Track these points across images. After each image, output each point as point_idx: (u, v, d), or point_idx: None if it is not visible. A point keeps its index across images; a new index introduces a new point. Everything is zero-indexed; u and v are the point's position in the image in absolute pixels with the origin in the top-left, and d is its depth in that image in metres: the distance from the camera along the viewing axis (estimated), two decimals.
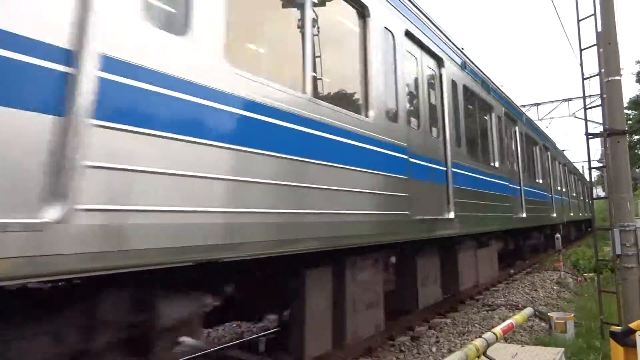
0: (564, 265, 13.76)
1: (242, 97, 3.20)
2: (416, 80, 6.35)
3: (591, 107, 10.64)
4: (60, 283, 2.78)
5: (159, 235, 2.55)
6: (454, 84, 7.52)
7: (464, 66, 8.16)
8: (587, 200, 28.01)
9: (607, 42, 6.53)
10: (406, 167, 5.49)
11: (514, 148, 11.98)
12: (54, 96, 2.15)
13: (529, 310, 5.78)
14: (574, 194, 23.58)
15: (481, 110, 9.45)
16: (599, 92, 7.27)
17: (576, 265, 14.68)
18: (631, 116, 38.16)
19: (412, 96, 6.19)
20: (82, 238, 2.19)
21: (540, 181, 14.73)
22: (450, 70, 7.40)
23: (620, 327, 4.47)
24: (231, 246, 3.03)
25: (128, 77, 2.46)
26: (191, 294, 3.29)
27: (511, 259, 13.61)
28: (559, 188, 18.43)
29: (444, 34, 7.40)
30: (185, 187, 2.70)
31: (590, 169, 8.65)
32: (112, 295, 2.80)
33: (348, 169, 4.30)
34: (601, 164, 13.80)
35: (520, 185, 11.49)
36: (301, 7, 4.19)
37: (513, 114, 12.12)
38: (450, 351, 5.77)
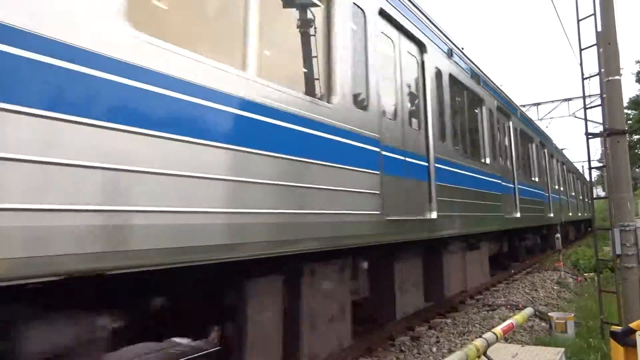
0: (564, 265, 13.78)
1: (152, 71, 2.57)
2: (393, 66, 5.71)
3: (591, 107, 10.72)
4: None
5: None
6: (438, 73, 6.89)
7: (450, 54, 7.54)
8: (586, 200, 27.87)
9: (607, 42, 6.53)
10: (378, 161, 4.87)
11: (507, 144, 11.35)
12: None
13: (529, 310, 5.79)
14: (573, 193, 23.21)
15: (471, 103, 8.76)
16: (598, 92, 7.27)
17: (576, 265, 14.70)
18: (631, 116, 38.21)
19: (388, 83, 5.52)
20: None
21: (537, 179, 14.18)
22: (434, 58, 6.77)
23: (620, 327, 4.47)
24: (112, 255, 2.33)
25: None
26: (79, 313, 2.62)
27: (507, 261, 13.16)
28: (557, 187, 17.92)
29: (427, 17, 6.75)
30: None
31: (590, 168, 8.61)
32: None
33: (303, 161, 3.72)
34: (601, 164, 13.81)
35: (514, 184, 10.99)
36: None
37: (507, 108, 11.51)
38: (450, 351, 5.77)
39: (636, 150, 37.80)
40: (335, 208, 4.09)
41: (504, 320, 5.50)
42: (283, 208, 3.49)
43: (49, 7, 2.14)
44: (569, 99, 30.74)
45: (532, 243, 15.11)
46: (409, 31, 6.07)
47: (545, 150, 16.37)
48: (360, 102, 4.74)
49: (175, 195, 2.64)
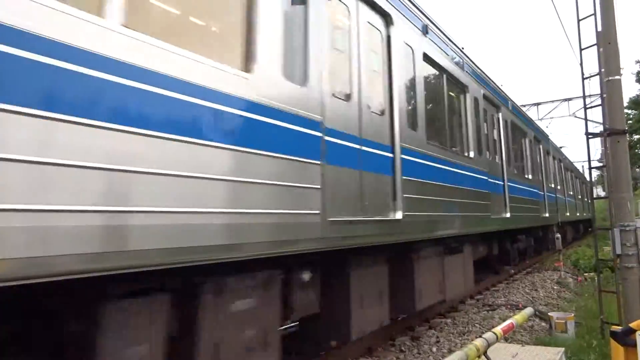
0: (564, 265, 13.79)
1: None
2: (347, 37, 4.80)
3: (591, 107, 10.75)
4: None
5: None
6: (408, 51, 5.97)
7: (425, 30, 6.56)
8: (585, 199, 27.65)
9: (607, 42, 6.53)
10: (318, 148, 3.96)
11: (496, 137, 10.18)
12: None
13: (529, 310, 5.79)
14: (571, 193, 22.44)
15: (451, 88, 7.74)
16: (599, 92, 7.27)
17: (576, 265, 14.72)
18: (631, 116, 38.20)
19: (337, 57, 4.60)
20: None
21: (530, 177, 13.12)
22: (404, 32, 5.83)
23: (620, 327, 4.47)
24: None
25: None
26: None
27: (498, 265, 12.18)
28: (553, 185, 16.95)
29: None
30: None
31: (590, 168, 8.57)
32: None
33: (204, 144, 2.86)
34: (601, 164, 13.80)
35: (503, 181, 9.98)
36: None
37: (496, 98, 10.39)
38: (450, 351, 5.77)
39: (636, 150, 37.80)
40: (241, 206, 3.11)
41: (504, 320, 5.51)
42: (181, 207, 2.66)
43: None
44: (569, 99, 30.76)
45: (526, 245, 13.91)
46: None
47: (541, 146, 15.43)
48: (293, 75, 3.80)
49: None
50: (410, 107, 5.86)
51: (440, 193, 6.39)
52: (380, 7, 5.33)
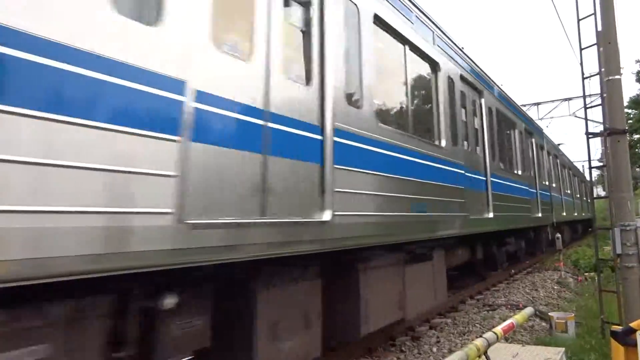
0: (565, 264, 13.80)
1: None
2: None
3: (591, 107, 10.74)
4: None
5: None
6: (352, 7, 4.83)
7: None
8: (584, 198, 27.18)
9: (607, 42, 6.53)
10: (177, 117, 2.81)
11: (477, 126, 8.80)
12: None
13: (529, 310, 5.78)
14: (569, 191, 21.03)
15: (416, 64, 6.50)
16: (599, 92, 7.27)
17: (576, 265, 14.73)
18: (631, 115, 38.23)
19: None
20: None
21: (520, 173, 11.69)
22: None
23: (620, 327, 4.47)
24: None
25: None
26: None
27: (484, 271, 11.05)
28: (547, 183, 15.55)
29: None
30: None
31: (590, 168, 8.56)
32: None
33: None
34: (601, 163, 13.80)
35: (486, 176, 8.69)
36: None
37: (478, 82, 8.98)
38: (450, 351, 5.77)
39: (636, 150, 37.81)
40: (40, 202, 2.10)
41: (504, 320, 5.50)
42: None
43: None
44: (569, 99, 30.74)
45: (516, 247, 12.49)
46: None
47: (534, 139, 14.05)
48: (143, 15, 2.74)
49: None
50: (353, 80, 4.74)
51: (395, 188, 5.24)
52: None
